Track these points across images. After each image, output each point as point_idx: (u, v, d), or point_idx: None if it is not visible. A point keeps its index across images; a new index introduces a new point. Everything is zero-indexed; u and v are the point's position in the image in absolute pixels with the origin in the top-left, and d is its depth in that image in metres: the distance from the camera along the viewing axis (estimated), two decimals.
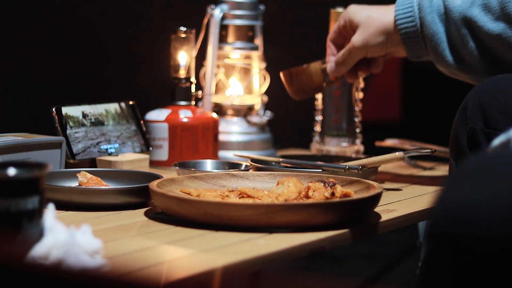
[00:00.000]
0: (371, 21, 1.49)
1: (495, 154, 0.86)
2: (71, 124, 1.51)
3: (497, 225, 0.77)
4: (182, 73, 1.70)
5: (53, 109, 1.51)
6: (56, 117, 1.51)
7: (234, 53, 1.83)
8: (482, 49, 1.40)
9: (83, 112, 1.54)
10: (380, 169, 1.52)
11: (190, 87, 1.71)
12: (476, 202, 0.79)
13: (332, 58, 1.57)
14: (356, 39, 1.50)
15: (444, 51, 1.43)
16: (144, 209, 1.24)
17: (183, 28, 1.70)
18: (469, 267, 0.79)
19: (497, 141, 0.92)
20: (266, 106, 1.87)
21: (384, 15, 1.48)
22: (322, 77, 1.60)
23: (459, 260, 0.79)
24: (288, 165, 1.51)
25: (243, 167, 1.49)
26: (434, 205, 0.83)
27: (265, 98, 1.85)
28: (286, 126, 1.68)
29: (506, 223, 0.77)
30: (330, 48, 1.58)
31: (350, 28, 1.53)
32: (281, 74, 1.63)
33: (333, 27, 1.57)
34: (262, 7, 1.84)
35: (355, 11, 1.51)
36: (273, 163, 1.53)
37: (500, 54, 1.39)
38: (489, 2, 1.37)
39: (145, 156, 1.56)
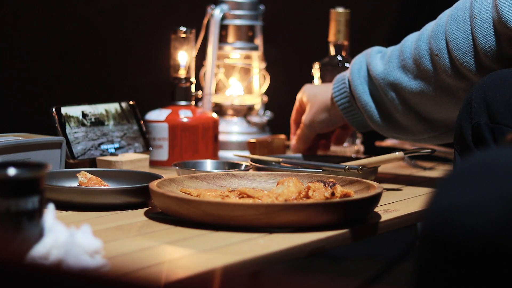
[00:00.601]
0: (315, 99, 1.56)
1: (486, 156, 0.86)
2: (71, 124, 1.51)
3: (487, 227, 0.77)
4: (182, 73, 1.70)
5: (53, 109, 1.51)
6: (56, 117, 1.50)
7: (234, 53, 1.83)
8: (411, 109, 1.45)
9: (83, 112, 1.54)
10: (380, 169, 1.52)
11: (190, 87, 1.71)
12: (467, 204, 0.79)
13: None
14: (305, 117, 1.58)
15: (377, 119, 1.48)
16: (144, 209, 1.24)
17: (183, 28, 1.70)
18: (460, 269, 0.79)
19: None
20: (266, 106, 1.87)
21: (325, 93, 1.55)
22: (284, 152, 1.69)
23: (450, 262, 0.79)
24: (288, 165, 1.51)
25: (243, 167, 1.49)
26: (426, 207, 0.83)
27: (265, 98, 1.85)
28: (286, 126, 1.69)
29: (496, 225, 0.77)
30: (293, 127, 1.65)
31: (304, 107, 1.60)
32: (247, 142, 1.71)
33: (294, 108, 1.64)
34: (262, 7, 1.84)
35: (305, 90, 1.59)
36: (273, 163, 1.53)
37: (428, 111, 1.44)
38: (406, 63, 1.41)
39: (145, 156, 1.56)
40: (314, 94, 1.57)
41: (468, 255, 0.78)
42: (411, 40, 1.42)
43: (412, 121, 1.46)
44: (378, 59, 1.46)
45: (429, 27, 1.40)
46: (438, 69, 1.37)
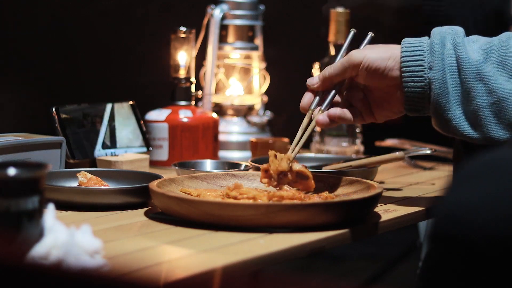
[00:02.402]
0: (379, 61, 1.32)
1: (496, 156, 0.87)
2: (71, 124, 1.51)
3: (498, 225, 0.78)
4: (182, 73, 1.70)
5: (53, 109, 1.51)
6: (56, 117, 1.51)
7: (234, 53, 1.83)
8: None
9: (83, 112, 1.54)
10: (380, 169, 1.52)
11: (190, 87, 1.71)
12: (476, 204, 0.79)
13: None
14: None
15: (449, 103, 1.31)
16: (144, 209, 1.25)
17: (183, 28, 1.70)
18: (469, 268, 0.79)
19: None
20: (266, 106, 1.87)
21: (393, 69, 1.31)
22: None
23: (459, 261, 0.79)
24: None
25: (243, 167, 1.49)
26: (436, 206, 0.83)
27: (265, 98, 1.85)
28: (286, 126, 1.69)
29: (507, 224, 0.77)
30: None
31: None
32: (250, 141, 1.71)
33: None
34: (262, 7, 1.84)
35: (366, 59, 1.31)
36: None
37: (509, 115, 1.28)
38: (506, 61, 1.29)
39: (145, 156, 1.56)
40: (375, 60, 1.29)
41: (478, 254, 0.78)
42: None
43: None
44: (467, 45, 1.31)
45: None
46: None
